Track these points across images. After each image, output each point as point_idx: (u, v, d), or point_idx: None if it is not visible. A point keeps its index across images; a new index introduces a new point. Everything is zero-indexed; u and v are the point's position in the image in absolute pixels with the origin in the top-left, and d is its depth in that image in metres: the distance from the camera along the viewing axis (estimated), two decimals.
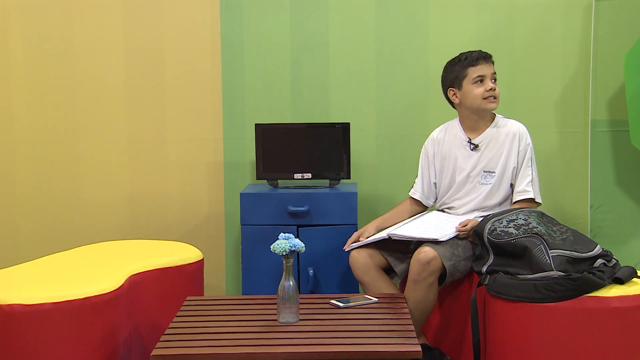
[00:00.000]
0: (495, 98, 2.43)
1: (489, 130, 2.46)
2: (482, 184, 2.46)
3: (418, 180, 2.61)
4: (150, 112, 3.04)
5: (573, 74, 2.93)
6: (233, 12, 2.98)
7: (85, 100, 3.04)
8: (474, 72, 2.42)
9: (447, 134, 2.54)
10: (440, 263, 2.22)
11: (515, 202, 2.42)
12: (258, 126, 2.82)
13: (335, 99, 3.00)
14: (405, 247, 2.42)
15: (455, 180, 2.51)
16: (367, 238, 2.43)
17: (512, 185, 2.45)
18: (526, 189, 2.40)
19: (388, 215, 2.60)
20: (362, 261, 2.38)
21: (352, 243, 2.45)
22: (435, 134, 2.58)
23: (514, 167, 2.43)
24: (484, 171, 2.46)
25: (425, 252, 2.22)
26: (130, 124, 3.04)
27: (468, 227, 2.31)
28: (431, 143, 2.58)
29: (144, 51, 3.02)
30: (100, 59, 3.02)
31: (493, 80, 2.43)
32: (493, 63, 2.45)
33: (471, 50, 2.46)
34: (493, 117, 2.49)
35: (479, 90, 2.41)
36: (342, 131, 2.79)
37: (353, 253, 2.41)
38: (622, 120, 2.87)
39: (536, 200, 2.41)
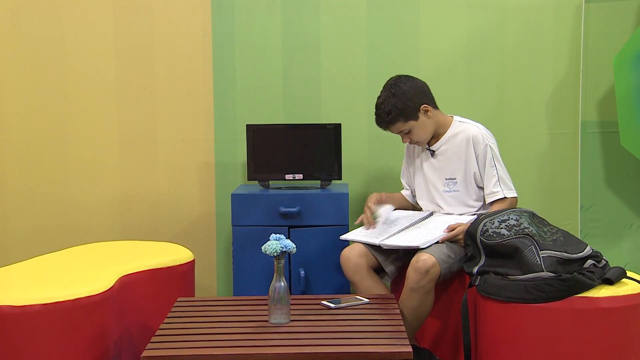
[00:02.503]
0: (415, 143, 2.48)
1: (445, 137, 2.48)
2: (446, 191, 2.48)
3: (405, 184, 2.68)
4: (141, 112, 3.03)
5: (563, 75, 2.95)
6: (224, 13, 2.98)
7: (76, 101, 3.03)
8: None
9: None
10: (439, 270, 2.23)
11: (490, 204, 2.44)
12: (249, 127, 2.81)
13: (327, 99, 3.00)
14: (394, 250, 2.42)
15: (423, 187, 2.54)
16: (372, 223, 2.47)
17: (481, 188, 2.47)
18: (493, 190, 2.42)
19: (391, 195, 2.64)
20: (354, 261, 2.38)
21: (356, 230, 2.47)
22: None
23: (475, 172, 2.44)
24: (445, 179, 2.48)
25: (424, 260, 2.21)
26: (121, 125, 3.03)
27: (456, 231, 2.32)
28: (405, 147, 2.64)
29: (135, 52, 3.01)
30: (91, 59, 3.01)
31: (404, 133, 2.44)
32: (395, 121, 2.40)
33: (376, 107, 2.43)
34: (451, 121, 2.49)
35: None
36: (333, 132, 2.79)
37: (344, 252, 2.42)
38: (612, 122, 2.89)
39: (508, 196, 2.41)
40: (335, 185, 2.85)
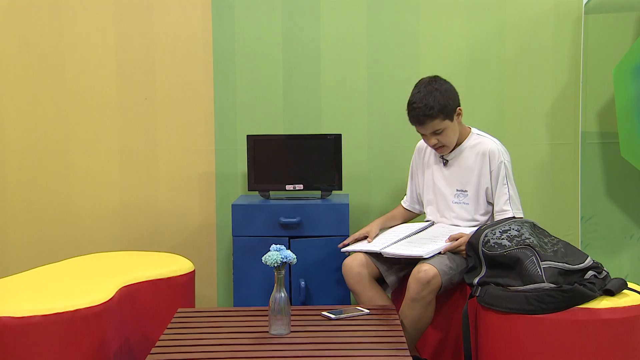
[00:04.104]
0: (441, 148, 2.42)
1: (461, 148, 2.46)
2: (455, 202, 2.47)
3: (408, 189, 2.66)
4: (141, 123, 3.04)
5: (563, 86, 2.96)
6: (225, 24, 2.99)
7: (77, 111, 3.04)
8: (416, 128, 2.43)
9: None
10: (440, 281, 2.22)
11: None
12: (250, 137, 2.82)
13: (327, 110, 3.01)
14: (396, 259, 2.42)
15: (433, 196, 2.53)
16: (370, 240, 2.45)
17: (490, 204, 2.46)
18: (504, 208, 2.40)
19: (390, 214, 2.64)
20: (356, 270, 2.38)
21: (350, 244, 2.48)
22: (420, 143, 2.61)
23: (487, 187, 2.42)
24: (457, 190, 2.47)
25: (425, 271, 2.21)
26: (122, 135, 3.04)
27: (458, 241, 2.32)
28: (416, 152, 2.63)
29: (136, 62, 3.02)
30: (92, 69, 3.02)
31: (436, 134, 2.36)
32: (435, 116, 2.32)
33: (412, 100, 2.37)
34: (468, 132, 2.48)
35: (425, 142, 2.45)
36: (333, 142, 2.80)
37: (347, 262, 2.41)
38: (612, 133, 2.90)
39: (516, 217, 2.39)
40: (336, 196, 2.86)
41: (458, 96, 2.42)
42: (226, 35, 3.00)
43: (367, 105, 3.01)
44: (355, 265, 2.38)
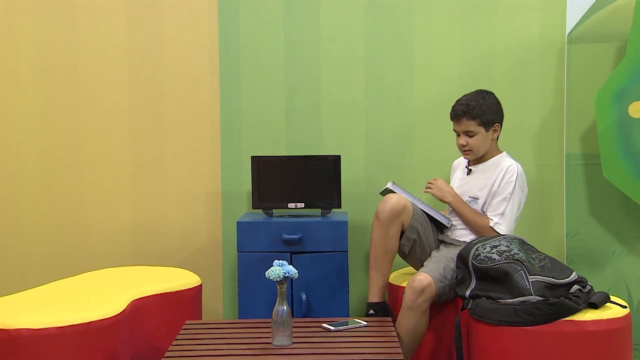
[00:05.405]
0: (467, 152, 2.53)
1: (486, 163, 2.56)
2: None
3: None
4: (152, 144, 3.09)
5: (549, 111, 3.02)
6: (231, 50, 3.05)
7: (90, 133, 3.09)
8: (453, 124, 2.56)
9: (464, 161, 2.67)
10: (434, 290, 2.27)
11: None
12: (254, 158, 2.88)
13: (327, 132, 3.07)
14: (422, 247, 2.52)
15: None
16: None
17: None
18: (492, 217, 2.47)
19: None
20: (392, 207, 2.43)
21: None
22: (454, 162, 2.75)
23: (489, 195, 2.51)
24: (469, 197, 2.55)
25: (420, 280, 2.26)
26: (133, 156, 3.09)
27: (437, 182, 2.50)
28: (452, 170, 2.74)
29: (147, 85, 3.07)
30: (105, 93, 3.07)
31: (468, 135, 2.49)
32: (473, 118, 2.46)
33: (459, 99, 2.54)
34: (499, 153, 2.58)
35: (456, 142, 2.56)
36: (333, 163, 2.86)
37: (390, 195, 2.47)
38: (594, 154, 2.95)
39: (495, 230, 2.44)
40: (335, 214, 2.90)
41: (502, 116, 2.55)
42: (232, 61, 3.05)
43: (365, 128, 3.06)
44: (394, 202, 2.42)
